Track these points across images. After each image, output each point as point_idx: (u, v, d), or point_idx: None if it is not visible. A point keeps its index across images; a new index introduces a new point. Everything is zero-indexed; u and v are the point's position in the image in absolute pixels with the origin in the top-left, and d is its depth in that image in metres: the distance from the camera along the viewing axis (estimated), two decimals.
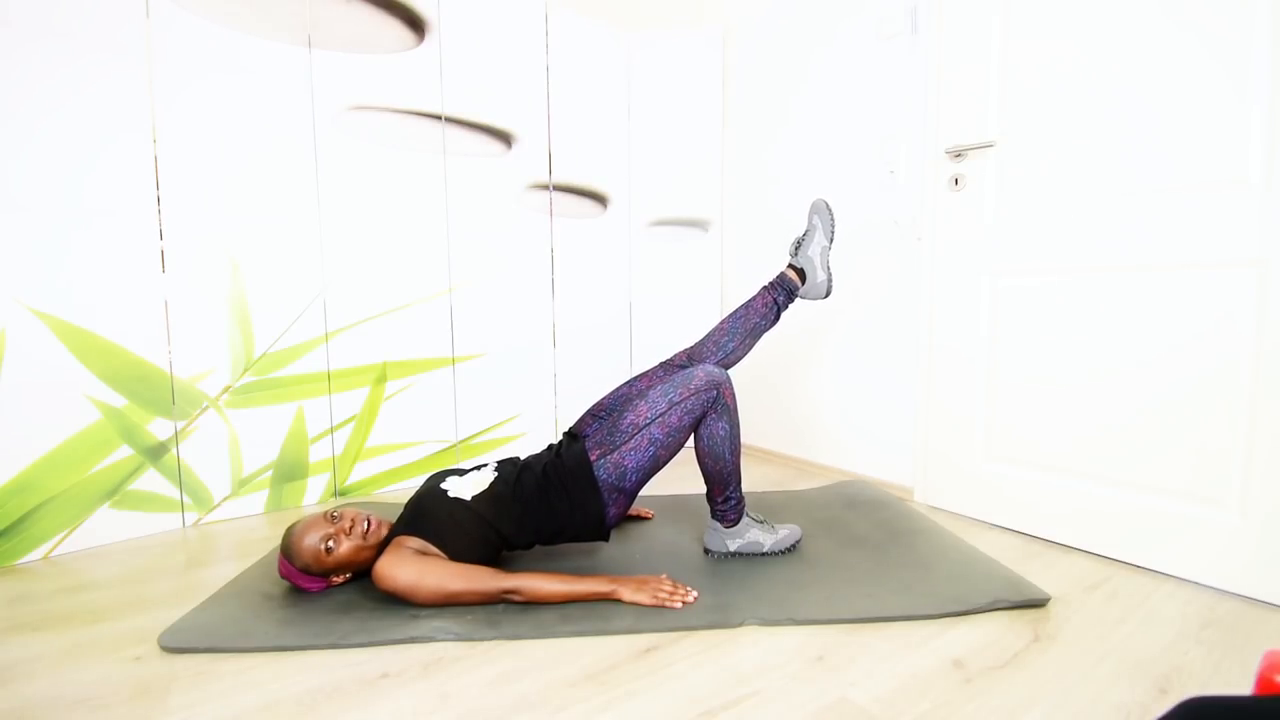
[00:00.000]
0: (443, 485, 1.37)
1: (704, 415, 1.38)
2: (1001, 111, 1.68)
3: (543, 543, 1.39)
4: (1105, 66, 1.48)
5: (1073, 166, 1.55)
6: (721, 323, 1.63)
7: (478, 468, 1.44)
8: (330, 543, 1.26)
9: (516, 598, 1.23)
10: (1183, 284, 1.39)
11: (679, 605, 1.25)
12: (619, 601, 1.26)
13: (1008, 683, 1.03)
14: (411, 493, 1.47)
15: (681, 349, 1.70)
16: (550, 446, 1.49)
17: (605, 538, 1.40)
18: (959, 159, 1.78)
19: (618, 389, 1.58)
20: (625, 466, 1.33)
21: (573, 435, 1.49)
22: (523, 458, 1.47)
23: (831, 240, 1.67)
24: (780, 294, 1.63)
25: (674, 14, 2.73)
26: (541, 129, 2.36)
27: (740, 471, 1.46)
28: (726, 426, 1.40)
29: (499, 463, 1.45)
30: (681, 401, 1.35)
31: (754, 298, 1.63)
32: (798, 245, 1.67)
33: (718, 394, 1.37)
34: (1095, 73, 1.50)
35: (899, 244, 1.99)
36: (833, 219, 1.67)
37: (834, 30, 2.16)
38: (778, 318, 1.64)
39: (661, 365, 1.61)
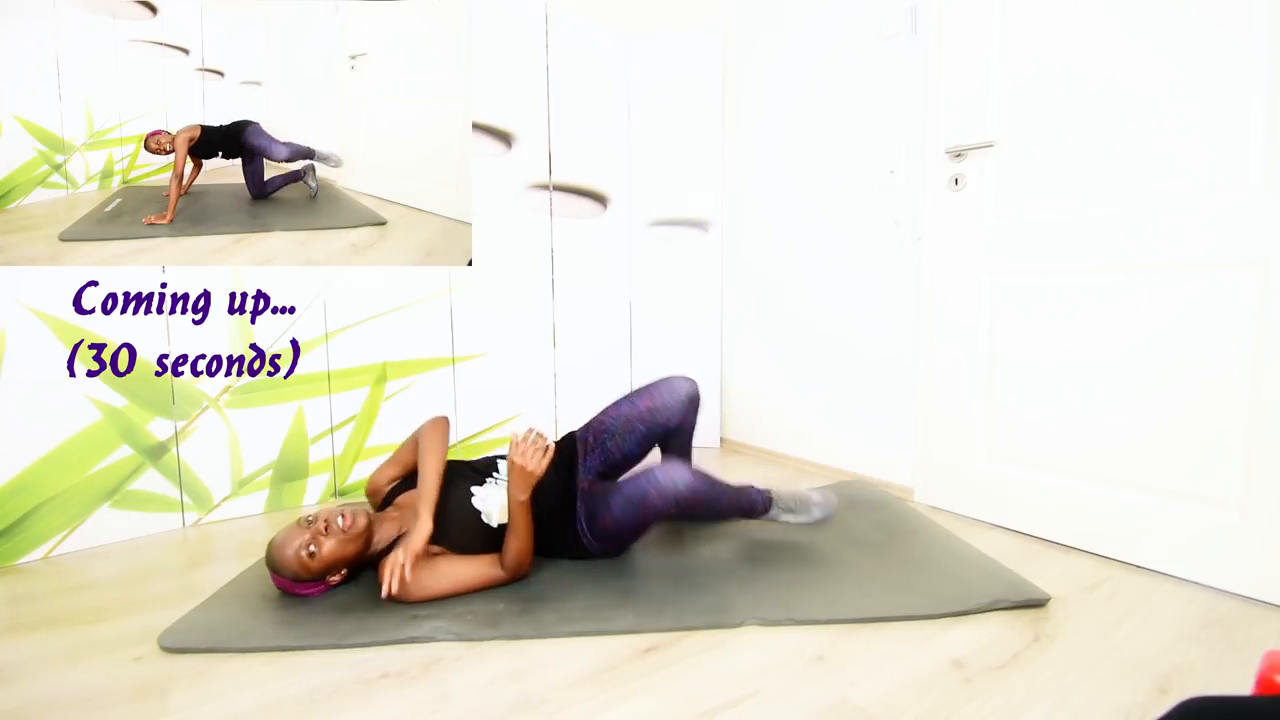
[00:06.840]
0: (471, 495, 1.38)
1: (669, 515, 1.36)
2: (1001, 111, 1.68)
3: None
4: (1105, 66, 1.48)
5: (1072, 166, 1.55)
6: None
7: (494, 476, 1.44)
8: (311, 548, 1.23)
9: (510, 568, 1.31)
10: (1183, 284, 1.39)
11: (543, 454, 1.27)
12: (523, 496, 1.27)
13: (1008, 683, 1.03)
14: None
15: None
16: (559, 471, 1.47)
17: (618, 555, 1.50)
18: (959, 159, 1.78)
19: (619, 405, 1.60)
20: (624, 542, 1.45)
21: (574, 476, 1.50)
22: None
23: (812, 524, 1.57)
24: (758, 495, 1.49)
25: (674, 14, 2.73)
26: (541, 129, 2.35)
27: (737, 499, 1.43)
28: (701, 513, 1.40)
29: None
30: (642, 513, 1.35)
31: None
32: (792, 498, 1.54)
33: (675, 503, 1.32)
34: (1095, 72, 1.50)
35: (899, 244, 1.99)
36: (825, 521, 1.57)
37: (834, 30, 2.16)
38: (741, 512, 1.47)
39: (662, 383, 1.61)
